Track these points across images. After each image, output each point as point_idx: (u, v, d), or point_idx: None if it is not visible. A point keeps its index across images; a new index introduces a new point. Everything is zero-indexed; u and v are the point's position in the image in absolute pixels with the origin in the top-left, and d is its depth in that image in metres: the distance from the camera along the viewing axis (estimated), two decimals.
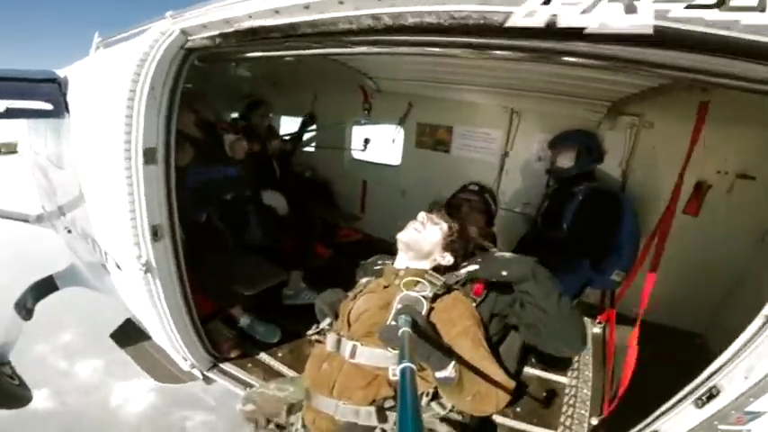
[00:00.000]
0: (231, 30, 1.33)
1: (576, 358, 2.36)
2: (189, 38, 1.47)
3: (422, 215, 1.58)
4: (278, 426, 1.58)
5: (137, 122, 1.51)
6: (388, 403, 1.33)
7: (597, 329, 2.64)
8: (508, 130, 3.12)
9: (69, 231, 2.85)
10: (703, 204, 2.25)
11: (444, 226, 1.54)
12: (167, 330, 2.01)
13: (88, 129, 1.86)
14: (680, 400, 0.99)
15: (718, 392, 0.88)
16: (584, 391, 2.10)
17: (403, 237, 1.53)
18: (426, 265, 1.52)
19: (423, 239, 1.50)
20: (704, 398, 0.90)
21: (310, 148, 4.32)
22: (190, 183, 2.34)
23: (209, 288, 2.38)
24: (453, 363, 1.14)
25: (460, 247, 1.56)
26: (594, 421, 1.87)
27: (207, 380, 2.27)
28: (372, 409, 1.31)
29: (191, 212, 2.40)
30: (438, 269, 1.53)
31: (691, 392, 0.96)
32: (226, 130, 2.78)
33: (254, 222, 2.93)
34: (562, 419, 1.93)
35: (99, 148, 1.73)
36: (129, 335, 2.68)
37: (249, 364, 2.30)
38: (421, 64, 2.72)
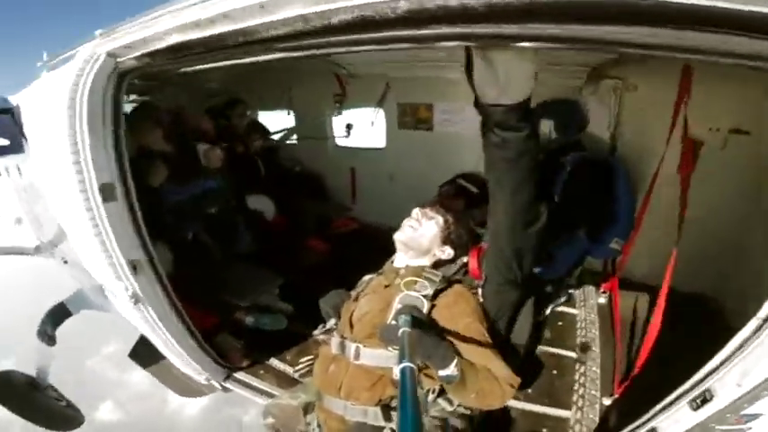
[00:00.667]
0: (155, 48, 1.22)
1: (582, 332, 2.31)
2: (117, 60, 1.36)
3: (416, 212, 1.54)
4: None
5: (84, 158, 1.42)
6: (395, 402, 1.34)
7: (602, 300, 2.56)
8: None
9: (66, 262, 2.86)
10: (697, 163, 2.11)
11: (440, 219, 1.51)
12: (175, 351, 2.05)
13: (43, 164, 1.78)
14: (675, 400, 0.95)
15: (712, 397, 0.83)
16: (594, 369, 2.05)
17: (400, 237, 1.50)
18: (426, 261, 1.51)
19: (420, 236, 1.48)
20: (698, 401, 0.85)
21: (293, 141, 4.19)
22: (168, 203, 2.29)
23: (207, 304, 2.39)
24: (455, 361, 1.14)
25: (458, 238, 1.52)
26: (607, 401, 1.84)
27: (225, 389, 2.33)
28: (378, 409, 1.32)
29: (175, 232, 2.37)
30: (439, 263, 1.52)
31: (686, 393, 0.91)
32: (198, 139, 2.67)
33: (243, 232, 2.90)
34: (574, 399, 1.90)
35: (56, 185, 1.66)
36: (145, 353, 2.73)
37: (261, 371, 2.34)
38: None
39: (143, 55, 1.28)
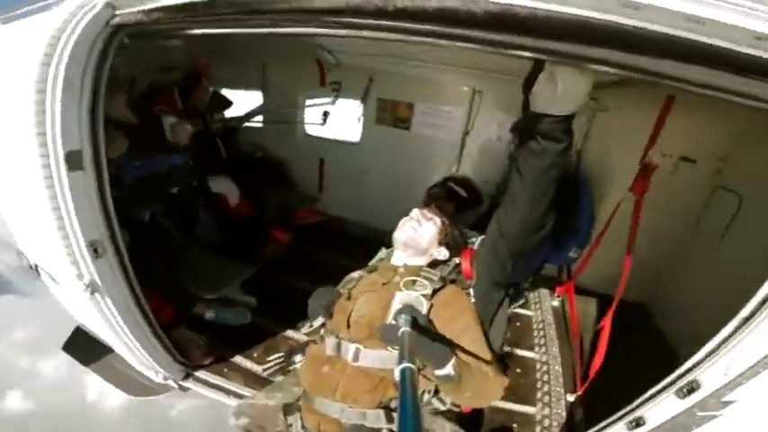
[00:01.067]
0: (178, 2, 1.06)
1: (540, 333, 2.51)
2: (116, 12, 1.16)
3: (415, 212, 1.56)
4: None
5: (52, 119, 1.20)
6: (395, 403, 1.33)
7: (555, 303, 2.79)
8: (470, 109, 3.09)
9: None
10: (650, 184, 2.43)
11: (438, 221, 1.54)
12: (130, 347, 1.81)
13: None
14: (661, 390, 1.08)
15: (699, 386, 0.96)
16: (556, 367, 2.21)
17: (401, 236, 1.51)
18: (423, 261, 1.53)
19: (420, 236, 1.50)
20: (685, 390, 0.99)
21: (257, 124, 3.91)
22: (127, 179, 2.01)
23: (168, 295, 2.16)
24: (453, 360, 1.15)
25: (453, 239, 1.56)
26: (571, 398, 1.99)
27: (183, 389, 2.12)
28: (381, 412, 1.30)
29: (131, 212, 2.08)
30: (433, 264, 1.54)
31: (671, 384, 1.05)
32: (165, 111, 2.38)
33: (204, 216, 2.66)
34: (539, 396, 2.02)
35: (8, 152, 1.37)
36: (84, 346, 2.33)
37: (226, 369, 2.17)
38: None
39: (156, 9, 1.10)
